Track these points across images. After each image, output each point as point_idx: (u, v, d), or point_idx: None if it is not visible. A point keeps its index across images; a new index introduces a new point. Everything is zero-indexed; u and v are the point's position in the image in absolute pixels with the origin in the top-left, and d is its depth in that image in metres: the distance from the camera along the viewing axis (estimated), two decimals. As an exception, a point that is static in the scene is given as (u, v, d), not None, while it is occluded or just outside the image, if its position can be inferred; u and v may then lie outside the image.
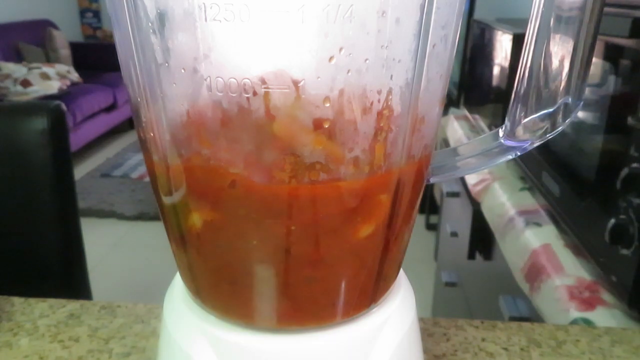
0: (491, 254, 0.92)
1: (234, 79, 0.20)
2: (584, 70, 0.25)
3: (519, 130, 0.26)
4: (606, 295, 0.56)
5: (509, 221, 0.77)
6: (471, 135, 1.18)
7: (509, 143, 0.27)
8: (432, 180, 0.29)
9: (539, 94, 0.25)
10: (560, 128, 0.26)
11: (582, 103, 0.26)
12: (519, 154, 0.27)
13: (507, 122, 0.27)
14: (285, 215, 0.22)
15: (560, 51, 0.24)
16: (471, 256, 1.00)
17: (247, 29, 0.19)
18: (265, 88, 0.20)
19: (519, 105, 0.26)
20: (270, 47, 0.19)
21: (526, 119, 0.26)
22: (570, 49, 0.24)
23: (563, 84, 0.25)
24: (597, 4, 0.24)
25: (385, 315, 0.27)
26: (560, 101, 0.25)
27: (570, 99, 0.25)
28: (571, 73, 0.25)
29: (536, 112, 0.26)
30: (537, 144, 0.27)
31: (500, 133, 0.27)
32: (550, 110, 0.25)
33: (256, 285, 0.25)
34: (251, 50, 0.20)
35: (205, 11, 0.19)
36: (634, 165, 0.50)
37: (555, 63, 0.25)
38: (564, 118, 0.26)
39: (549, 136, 0.26)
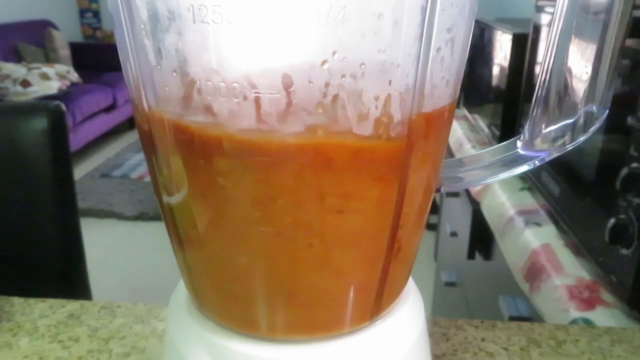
0: (491, 253, 0.92)
1: (223, 82, 0.19)
2: (610, 77, 0.23)
3: (538, 140, 0.25)
4: (606, 295, 0.56)
5: (508, 221, 0.77)
6: (471, 135, 1.18)
7: (527, 153, 0.26)
8: (443, 189, 0.27)
9: (561, 101, 0.24)
10: (583, 138, 0.24)
11: (607, 112, 0.24)
12: (537, 163, 0.26)
13: (526, 130, 0.25)
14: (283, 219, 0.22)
15: (584, 56, 0.23)
16: (471, 256, 1.00)
17: (235, 31, 0.18)
18: (255, 93, 0.19)
19: (540, 114, 0.24)
20: (259, 50, 0.19)
21: (547, 129, 0.24)
22: (594, 53, 0.23)
23: (586, 91, 0.23)
24: (627, 5, 0.22)
25: (391, 326, 0.26)
26: (582, 110, 0.23)
27: (594, 107, 0.24)
28: (595, 80, 0.23)
29: (558, 121, 0.24)
30: (556, 154, 0.25)
31: (519, 143, 0.26)
32: (572, 119, 0.24)
33: (250, 292, 0.24)
34: (240, 53, 0.19)
35: (193, 13, 0.19)
36: (634, 165, 0.50)
37: (578, 68, 0.23)
38: (587, 127, 0.24)
39: (570, 147, 0.24)
